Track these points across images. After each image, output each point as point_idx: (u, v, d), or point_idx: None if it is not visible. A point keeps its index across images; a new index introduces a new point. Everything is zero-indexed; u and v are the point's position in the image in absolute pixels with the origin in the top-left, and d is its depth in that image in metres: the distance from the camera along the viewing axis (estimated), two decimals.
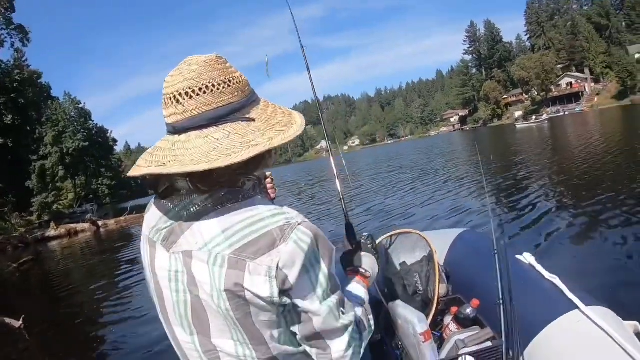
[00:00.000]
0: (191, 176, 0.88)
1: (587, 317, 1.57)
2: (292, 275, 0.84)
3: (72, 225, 25.34)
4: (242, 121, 0.89)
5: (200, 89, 0.86)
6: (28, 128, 41.94)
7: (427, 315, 2.05)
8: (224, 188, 0.91)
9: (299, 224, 0.86)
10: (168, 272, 0.94)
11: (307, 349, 0.95)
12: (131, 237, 17.32)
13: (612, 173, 9.08)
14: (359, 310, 1.03)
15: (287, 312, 0.90)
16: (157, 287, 0.99)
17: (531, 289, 1.88)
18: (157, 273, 0.97)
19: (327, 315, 0.90)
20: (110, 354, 5.14)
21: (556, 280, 1.84)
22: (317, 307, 0.89)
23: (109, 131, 66.96)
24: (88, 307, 7.54)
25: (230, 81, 0.89)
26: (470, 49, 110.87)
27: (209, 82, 0.86)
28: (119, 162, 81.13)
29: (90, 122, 63.67)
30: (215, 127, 0.87)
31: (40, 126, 49.72)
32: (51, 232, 24.31)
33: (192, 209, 0.91)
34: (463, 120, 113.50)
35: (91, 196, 60.78)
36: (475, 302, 1.97)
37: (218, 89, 0.87)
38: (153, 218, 0.99)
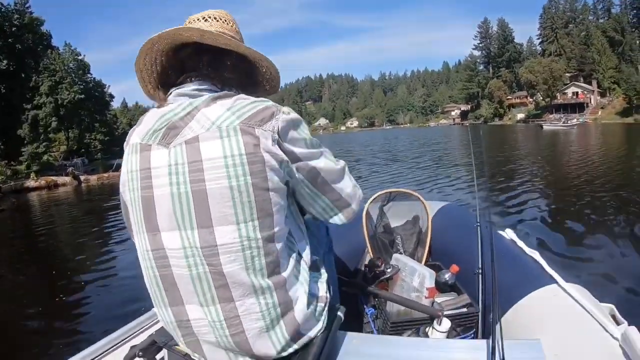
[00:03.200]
0: (208, 75, 1.14)
1: (566, 291, 1.58)
2: (290, 136, 1.05)
3: (53, 178, 24.75)
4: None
5: (224, 20, 1.21)
6: (23, 75, 40.83)
7: None
8: (221, 89, 1.14)
9: (282, 105, 1.07)
10: (168, 167, 1.00)
11: (326, 207, 1.19)
12: (111, 195, 16.56)
13: (603, 179, 9.26)
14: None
15: (295, 174, 1.08)
16: (147, 196, 1.03)
17: (511, 261, 1.89)
18: (152, 175, 1.02)
19: (326, 159, 1.14)
20: (82, 311, 4.78)
21: (536, 255, 1.85)
22: (315, 154, 1.11)
23: (107, 86, 64.91)
24: (52, 262, 7.21)
25: (238, 30, 1.25)
26: (481, 45, 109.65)
27: (229, 20, 1.22)
28: (114, 118, 79.92)
29: (88, 75, 61.79)
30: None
31: (37, 75, 48.22)
32: (30, 183, 23.78)
33: (194, 104, 1.05)
34: (464, 115, 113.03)
35: (83, 150, 60.11)
36: (455, 268, 1.97)
37: (234, 27, 1.22)
38: (148, 123, 1.09)
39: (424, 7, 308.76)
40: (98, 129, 67.54)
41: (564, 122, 50.69)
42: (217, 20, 1.19)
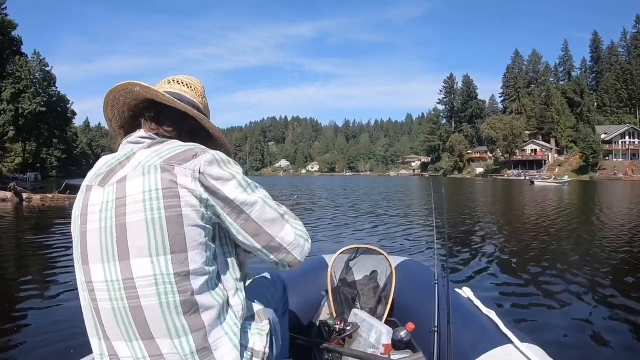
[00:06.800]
0: (149, 127, 1.21)
1: (520, 351, 1.59)
2: (215, 174, 1.07)
3: None
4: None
5: (187, 84, 1.32)
6: None
7: None
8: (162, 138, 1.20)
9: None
10: (100, 204, 1.07)
11: (260, 253, 1.17)
12: (52, 220, 14.03)
13: (569, 238, 9.14)
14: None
15: (222, 214, 1.10)
16: (83, 230, 1.09)
17: (467, 320, 1.87)
18: (87, 213, 1.09)
19: (262, 204, 1.13)
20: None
21: (492, 314, 1.86)
22: (247, 197, 1.11)
23: (70, 102, 62.83)
24: None
25: (202, 94, 1.36)
26: (445, 100, 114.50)
27: (194, 85, 1.34)
28: (74, 136, 77.04)
29: (53, 88, 59.57)
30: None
31: (1, 79, 46.11)
32: None
33: (133, 150, 1.14)
34: (424, 167, 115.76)
35: (38, 165, 57.06)
36: (411, 325, 1.96)
37: (197, 92, 1.34)
38: (95, 167, 1.18)
39: (393, 59, 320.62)
40: (56, 145, 64.82)
41: (555, 179, 49.63)
42: (178, 83, 1.31)
